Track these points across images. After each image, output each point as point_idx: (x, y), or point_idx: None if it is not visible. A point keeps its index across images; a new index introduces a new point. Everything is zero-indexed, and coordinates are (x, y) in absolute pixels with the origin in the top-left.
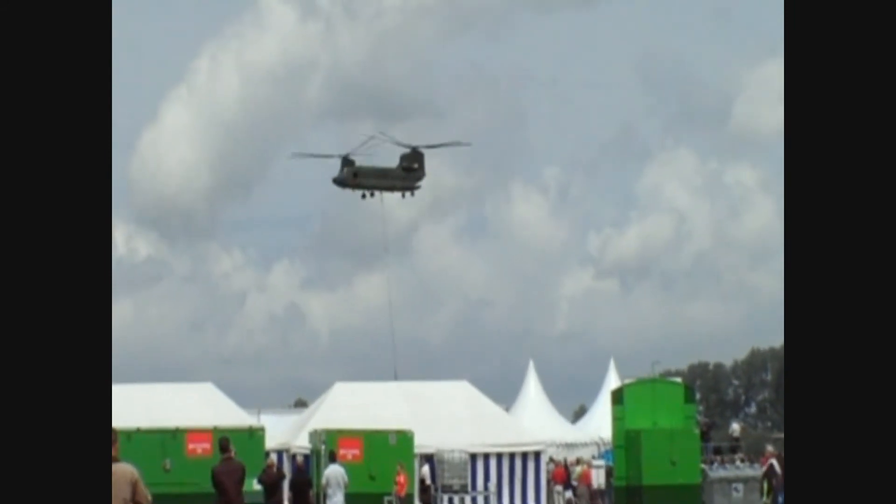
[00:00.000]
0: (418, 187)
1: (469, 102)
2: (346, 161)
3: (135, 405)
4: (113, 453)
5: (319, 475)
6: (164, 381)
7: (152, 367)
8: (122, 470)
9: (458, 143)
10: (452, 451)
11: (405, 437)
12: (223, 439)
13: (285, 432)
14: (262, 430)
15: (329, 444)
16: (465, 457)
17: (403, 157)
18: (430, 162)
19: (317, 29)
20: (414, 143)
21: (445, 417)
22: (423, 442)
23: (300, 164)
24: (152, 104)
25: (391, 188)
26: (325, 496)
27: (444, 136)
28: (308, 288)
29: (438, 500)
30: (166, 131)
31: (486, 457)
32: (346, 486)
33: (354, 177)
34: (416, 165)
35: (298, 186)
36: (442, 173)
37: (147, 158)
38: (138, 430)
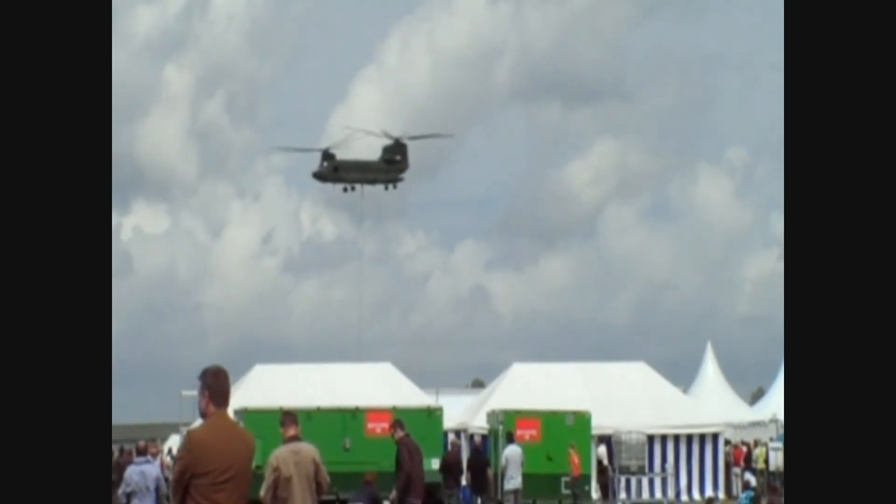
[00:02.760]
0: (401, 179)
1: (657, 85)
2: (326, 155)
3: (315, 385)
4: (294, 433)
5: (497, 455)
6: (347, 361)
7: (335, 347)
8: (307, 449)
9: (439, 136)
10: (630, 432)
11: (583, 418)
12: (398, 420)
13: (463, 412)
14: (440, 410)
15: (506, 424)
16: (643, 438)
17: (386, 149)
18: (619, 142)
19: (506, 11)
20: (396, 135)
21: (623, 398)
22: (601, 423)
23: (487, 146)
24: (342, 84)
25: (373, 181)
26: (503, 476)
27: (632, 119)
28: (492, 269)
29: (616, 481)
30: (355, 111)
31: (664, 438)
32: (523, 467)
33: (335, 171)
34: (398, 157)
35: (484, 168)
36: (628, 155)
37: (336, 138)
38: (318, 410)
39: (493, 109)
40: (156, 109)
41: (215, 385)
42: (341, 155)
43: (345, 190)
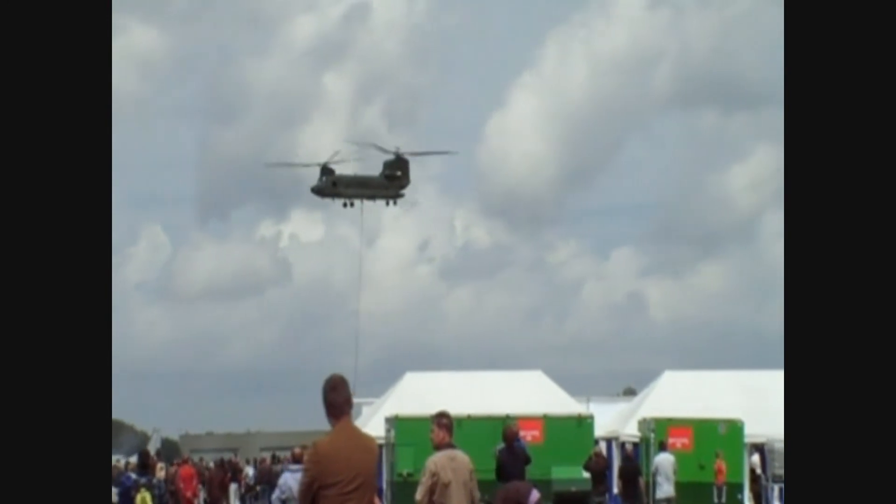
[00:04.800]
0: (401, 195)
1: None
2: (325, 170)
3: (466, 392)
4: (449, 440)
5: (648, 463)
6: (500, 368)
7: (489, 355)
8: (462, 457)
9: (446, 153)
10: (783, 440)
11: (735, 427)
12: (507, 428)
13: (614, 420)
14: (591, 418)
15: (658, 432)
16: None
17: (387, 165)
18: (778, 148)
19: (666, 16)
20: (399, 151)
21: (777, 407)
22: (754, 431)
23: (644, 153)
24: (499, 91)
25: (372, 197)
26: (654, 484)
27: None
28: (647, 276)
29: (769, 490)
30: (513, 119)
31: None
32: (675, 475)
33: (333, 186)
34: (398, 173)
35: (641, 174)
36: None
37: (494, 146)
38: (469, 417)
39: (651, 115)
40: (315, 116)
41: (332, 396)
42: (341, 170)
43: (344, 205)
